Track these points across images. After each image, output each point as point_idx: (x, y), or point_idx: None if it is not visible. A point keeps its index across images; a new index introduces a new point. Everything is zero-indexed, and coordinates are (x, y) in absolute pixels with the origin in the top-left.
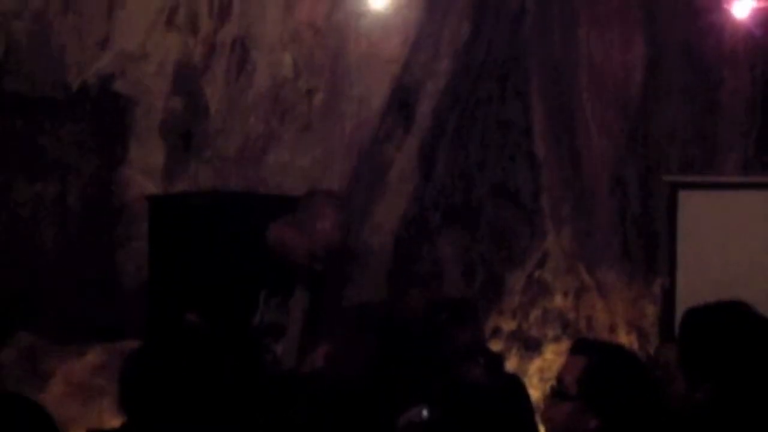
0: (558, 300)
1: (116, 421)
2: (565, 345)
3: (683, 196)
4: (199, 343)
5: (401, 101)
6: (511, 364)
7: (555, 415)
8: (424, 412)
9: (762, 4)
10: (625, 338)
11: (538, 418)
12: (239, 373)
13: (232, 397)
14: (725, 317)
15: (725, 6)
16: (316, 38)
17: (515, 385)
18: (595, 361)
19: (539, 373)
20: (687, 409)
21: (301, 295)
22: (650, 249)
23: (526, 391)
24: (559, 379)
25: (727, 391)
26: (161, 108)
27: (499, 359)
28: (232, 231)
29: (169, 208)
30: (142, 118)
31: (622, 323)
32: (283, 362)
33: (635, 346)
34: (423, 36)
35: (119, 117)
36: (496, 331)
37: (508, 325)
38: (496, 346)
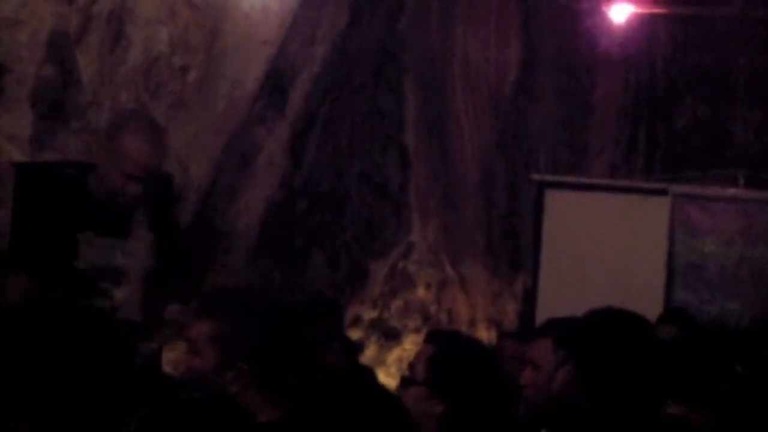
0: (420, 292)
1: None
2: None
3: (549, 195)
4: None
5: (275, 85)
6: (370, 353)
7: (404, 400)
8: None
9: (639, 10)
10: (485, 333)
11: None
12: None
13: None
14: (624, 330)
15: (603, 10)
16: (194, 15)
17: (367, 373)
18: (441, 349)
19: (398, 363)
20: (561, 407)
21: (142, 235)
22: (514, 246)
23: (377, 380)
24: (410, 365)
25: (611, 398)
26: (33, 76)
27: (354, 346)
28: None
29: (34, 176)
30: (12, 85)
31: (483, 318)
32: (123, 309)
33: (495, 341)
34: (300, 21)
35: None
36: (357, 320)
37: (369, 314)
38: (356, 334)
